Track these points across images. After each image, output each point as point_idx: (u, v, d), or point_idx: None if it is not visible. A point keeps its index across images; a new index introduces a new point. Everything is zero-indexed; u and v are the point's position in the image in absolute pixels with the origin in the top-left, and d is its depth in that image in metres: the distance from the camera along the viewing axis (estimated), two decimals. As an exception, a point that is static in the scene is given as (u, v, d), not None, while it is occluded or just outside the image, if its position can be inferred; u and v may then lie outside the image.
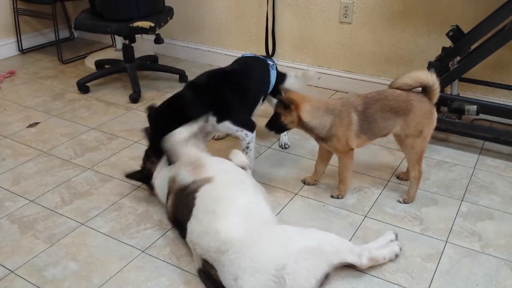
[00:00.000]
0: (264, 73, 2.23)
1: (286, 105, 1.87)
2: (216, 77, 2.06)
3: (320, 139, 1.93)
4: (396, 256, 1.68)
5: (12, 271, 1.67)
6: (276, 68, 2.32)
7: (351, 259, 1.56)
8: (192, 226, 1.61)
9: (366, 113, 1.86)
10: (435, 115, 1.89)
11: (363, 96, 1.91)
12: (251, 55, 2.35)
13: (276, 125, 1.94)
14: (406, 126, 1.87)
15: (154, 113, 1.99)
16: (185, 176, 1.77)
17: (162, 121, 1.94)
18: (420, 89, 1.88)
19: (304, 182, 2.10)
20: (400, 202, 1.98)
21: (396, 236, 1.75)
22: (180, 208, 1.71)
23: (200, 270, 1.58)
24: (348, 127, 1.86)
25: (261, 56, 2.32)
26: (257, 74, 2.19)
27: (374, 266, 1.64)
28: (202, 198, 1.65)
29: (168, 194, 1.83)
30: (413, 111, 1.84)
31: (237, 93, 2.04)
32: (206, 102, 1.97)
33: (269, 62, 2.27)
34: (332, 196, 2.02)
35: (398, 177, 2.15)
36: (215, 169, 1.78)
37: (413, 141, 1.88)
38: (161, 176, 1.92)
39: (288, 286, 1.39)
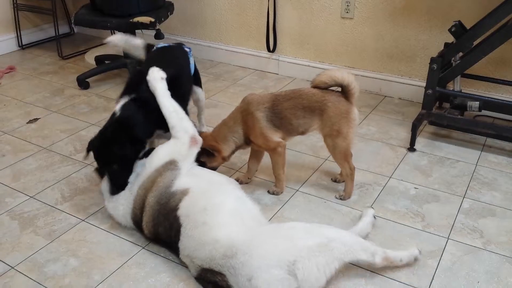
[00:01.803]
0: (187, 64, 2.18)
1: (210, 153, 1.89)
2: (148, 92, 1.86)
3: (245, 146, 1.96)
4: (415, 260, 1.64)
5: (12, 267, 1.67)
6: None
7: (364, 257, 1.52)
8: (185, 243, 1.57)
9: (274, 110, 1.86)
10: (354, 113, 1.86)
11: (273, 94, 1.92)
12: (165, 45, 2.24)
13: (208, 167, 1.93)
14: (322, 126, 1.87)
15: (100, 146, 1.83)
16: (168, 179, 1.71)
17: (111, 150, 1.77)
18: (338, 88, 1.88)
19: (238, 180, 2.06)
20: (337, 198, 1.98)
21: (420, 252, 1.65)
22: (163, 230, 1.65)
23: (197, 278, 1.56)
24: (256, 124, 1.86)
25: (174, 44, 2.25)
26: (184, 69, 2.14)
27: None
28: (186, 214, 1.59)
29: (142, 206, 1.71)
30: (327, 111, 1.84)
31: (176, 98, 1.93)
32: (153, 121, 1.85)
33: (186, 49, 2.23)
34: (268, 192, 2.02)
35: (334, 180, 2.10)
36: (191, 176, 1.73)
37: (333, 141, 1.87)
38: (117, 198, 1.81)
39: (299, 281, 1.40)
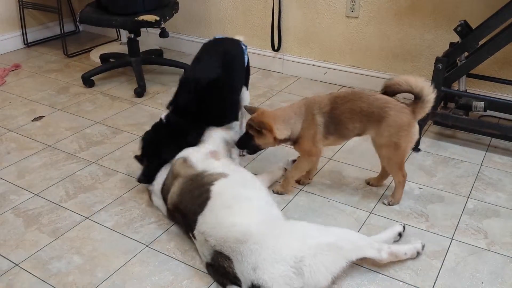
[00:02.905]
0: (242, 61, 2.15)
1: (257, 130, 1.82)
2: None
3: (292, 143, 1.89)
4: (418, 254, 1.65)
5: (16, 264, 1.68)
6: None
7: (371, 253, 1.56)
8: (206, 218, 1.60)
9: (332, 114, 1.78)
10: (415, 128, 1.76)
11: (331, 95, 1.83)
12: (223, 37, 2.24)
13: (249, 146, 1.89)
14: (378, 134, 1.77)
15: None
16: (198, 160, 1.81)
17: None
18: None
19: (299, 182, 2.05)
20: (385, 204, 1.94)
21: (404, 228, 1.74)
22: (188, 198, 1.70)
23: (208, 264, 1.58)
24: (313, 129, 1.80)
25: (230, 39, 2.22)
26: (237, 66, 2.12)
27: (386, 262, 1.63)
28: (218, 192, 1.66)
29: (173, 178, 1.81)
30: (387, 120, 1.73)
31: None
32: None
33: (242, 46, 2.19)
34: (272, 191, 2.01)
35: (368, 183, 2.07)
36: (229, 168, 1.81)
37: (389, 152, 1.79)
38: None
39: (306, 278, 1.41)
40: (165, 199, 1.83)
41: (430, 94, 1.71)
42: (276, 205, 1.74)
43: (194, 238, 1.64)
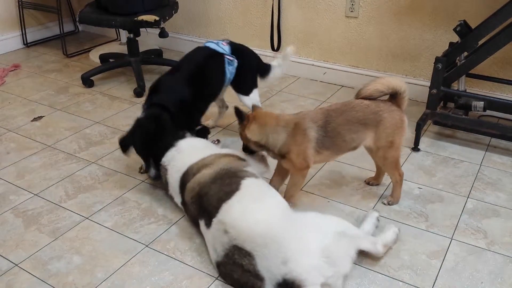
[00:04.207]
0: (218, 71, 2.21)
1: (240, 118, 1.80)
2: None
3: (275, 155, 1.81)
4: (397, 236, 1.73)
5: (16, 265, 1.68)
6: (258, 60, 2.34)
7: (368, 246, 1.61)
8: (232, 206, 1.59)
9: (327, 128, 1.74)
10: (406, 122, 1.80)
11: (324, 109, 1.79)
12: (209, 46, 2.25)
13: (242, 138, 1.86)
14: (377, 138, 1.78)
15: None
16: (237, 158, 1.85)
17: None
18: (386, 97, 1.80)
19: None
20: (385, 204, 1.94)
21: (399, 230, 1.75)
22: (218, 186, 1.68)
23: (220, 264, 1.56)
24: (304, 144, 1.73)
25: (220, 47, 2.24)
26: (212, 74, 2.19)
27: (378, 261, 1.64)
28: (247, 185, 1.66)
29: (201, 168, 1.80)
30: (383, 123, 1.75)
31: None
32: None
33: (228, 58, 2.21)
34: None
35: (368, 183, 2.08)
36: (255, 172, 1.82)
37: (385, 152, 1.81)
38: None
39: (336, 265, 1.45)
40: (183, 185, 1.81)
41: (403, 86, 1.76)
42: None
43: (209, 226, 1.61)
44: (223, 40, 2.28)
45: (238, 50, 2.28)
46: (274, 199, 1.66)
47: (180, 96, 2.08)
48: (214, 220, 1.60)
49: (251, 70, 2.31)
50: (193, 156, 1.86)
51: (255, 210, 1.57)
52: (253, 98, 2.32)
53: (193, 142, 2.00)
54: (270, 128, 1.76)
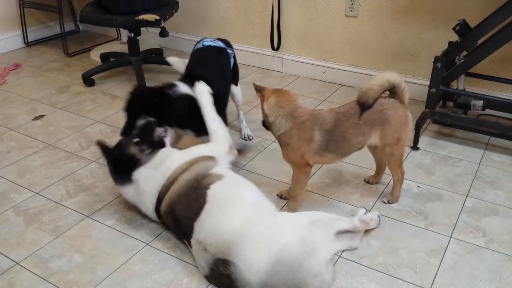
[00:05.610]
0: (225, 66, 2.25)
1: (261, 93, 1.80)
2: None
3: (278, 140, 1.82)
4: (378, 217, 1.81)
5: (17, 263, 1.68)
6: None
7: (344, 225, 1.68)
8: (204, 223, 1.57)
9: (335, 132, 1.73)
10: (410, 118, 1.80)
11: (335, 112, 1.77)
12: (210, 44, 2.28)
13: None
14: (383, 136, 1.78)
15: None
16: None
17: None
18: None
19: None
20: (384, 202, 1.95)
21: (366, 210, 1.82)
22: (186, 202, 1.65)
23: (208, 277, 1.56)
24: (306, 142, 1.73)
25: (218, 43, 2.28)
26: (222, 73, 2.21)
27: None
28: (214, 195, 1.63)
29: (171, 184, 1.74)
30: (389, 121, 1.75)
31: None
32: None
33: (229, 51, 2.28)
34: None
35: (367, 182, 2.08)
36: (223, 171, 1.78)
37: (391, 149, 1.81)
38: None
39: (312, 251, 1.47)
40: (159, 200, 1.77)
41: (396, 78, 1.75)
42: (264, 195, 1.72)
43: (190, 246, 1.62)
44: (212, 38, 2.34)
45: (228, 44, 2.34)
46: (243, 201, 1.62)
47: (219, 78, 2.14)
48: (192, 241, 1.60)
49: (236, 62, 2.41)
50: (159, 179, 1.79)
51: (226, 220, 1.54)
52: (239, 88, 2.43)
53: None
54: (282, 110, 1.75)
